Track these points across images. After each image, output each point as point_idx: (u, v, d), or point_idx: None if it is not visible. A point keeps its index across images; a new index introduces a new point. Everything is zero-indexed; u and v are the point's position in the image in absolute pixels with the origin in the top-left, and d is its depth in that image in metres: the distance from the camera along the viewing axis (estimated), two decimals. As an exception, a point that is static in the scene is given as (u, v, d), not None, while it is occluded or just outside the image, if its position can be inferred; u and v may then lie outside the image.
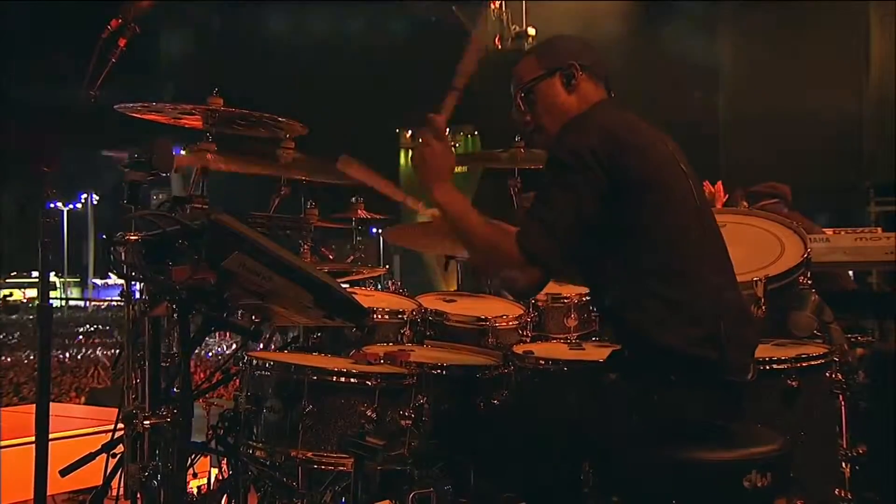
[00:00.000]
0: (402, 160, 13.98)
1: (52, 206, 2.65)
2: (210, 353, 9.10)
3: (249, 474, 2.74)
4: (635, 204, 2.17)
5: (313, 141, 3.36)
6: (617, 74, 2.44)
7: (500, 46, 8.82)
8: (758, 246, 3.06)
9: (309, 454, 2.53)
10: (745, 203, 4.36)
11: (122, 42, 2.66)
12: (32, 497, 2.54)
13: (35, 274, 3.32)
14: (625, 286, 2.19)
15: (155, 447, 2.49)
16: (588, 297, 3.26)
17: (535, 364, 2.72)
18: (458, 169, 2.45)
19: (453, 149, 2.45)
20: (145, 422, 2.44)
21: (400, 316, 3.24)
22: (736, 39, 10.63)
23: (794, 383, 2.58)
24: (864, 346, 3.16)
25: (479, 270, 3.71)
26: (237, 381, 3.22)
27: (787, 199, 4.77)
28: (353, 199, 4.16)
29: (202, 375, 3.93)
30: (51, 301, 2.72)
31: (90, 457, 3.06)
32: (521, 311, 3.35)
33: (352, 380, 2.58)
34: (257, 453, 2.62)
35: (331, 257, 3.95)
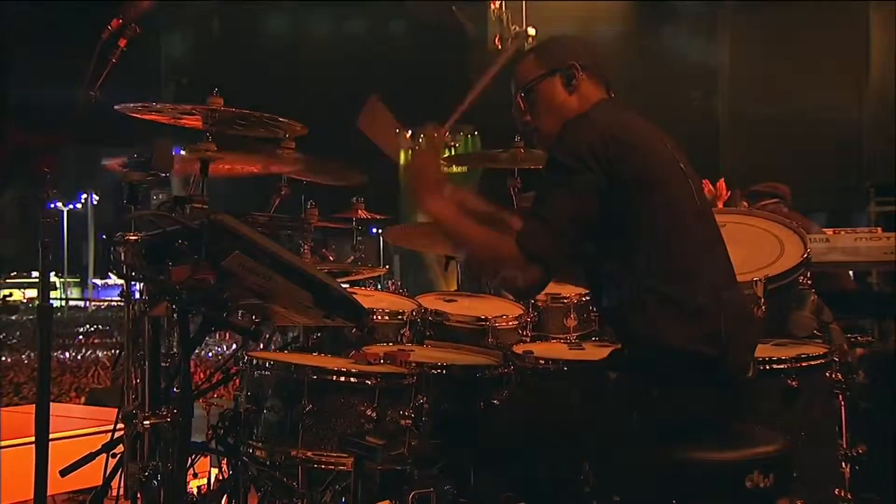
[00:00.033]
0: (403, 160, 13.97)
1: (52, 206, 2.65)
2: (210, 353, 9.09)
3: (249, 474, 2.74)
4: (635, 204, 2.17)
5: (313, 141, 3.36)
6: (616, 74, 2.44)
7: (500, 46, 8.82)
8: (758, 246, 3.06)
9: (309, 454, 2.52)
10: (745, 203, 4.37)
11: (122, 42, 2.66)
12: (32, 497, 2.53)
13: (35, 274, 3.32)
14: (625, 286, 2.19)
15: (155, 447, 2.50)
16: (588, 297, 3.26)
17: (535, 364, 2.72)
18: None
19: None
20: (145, 422, 2.45)
21: (400, 316, 3.24)
22: (735, 40, 10.64)
23: (793, 383, 2.58)
24: (864, 346, 3.15)
25: (478, 273, 3.71)
26: (237, 381, 3.23)
27: (787, 199, 4.77)
28: (353, 199, 4.16)
29: (202, 375, 3.93)
30: (51, 301, 2.72)
31: (90, 457, 3.06)
32: (521, 311, 3.35)
33: (352, 379, 2.58)
34: (257, 453, 2.62)
35: (331, 258, 3.96)
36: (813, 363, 2.66)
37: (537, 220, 2.17)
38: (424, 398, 2.60)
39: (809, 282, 2.93)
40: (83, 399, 6.77)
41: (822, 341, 2.88)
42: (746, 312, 2.39)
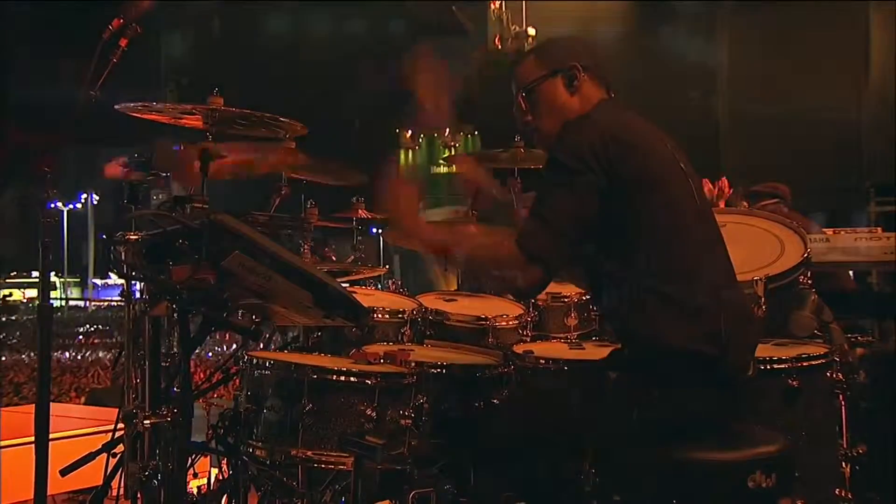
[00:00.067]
0: (402, 160, 13.98)
1: (52, 206, 2.65)
2: (210, 353, 9.09)
3: (249, 474, 2.74)
4: (635, 203, 2.17)
5: (313, 141, 3.36)
6: (616, 75, 2.45)
7: (500, 46, 8.84)
8: (758, 246, 3.06)
9: (309, 453, 2.52)
10: (745, 203, 4.37)
11: (123, 42, 2.66)
12: (32, 497, 2.54)
13: (35, 274, 3.32)
14: (625, 285, 2.19)
15: (155, 447, 2.50)
16: (588, 297, 3.27)
17: (536, 363, 2.72)
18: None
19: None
20: (145, 421, 2.44)
21: (400, 315, 3.24)
22: (734, 39, 10.64)
23: (794, 383, 2.58)
24: (864, 346, 3.15)
25: (478, 276, 3.71)
26: (237, 381, 3.23)
27: (787, 199, 4.77)
28: (353, 199, 4.16)
29: (202, 375, 3.93)
30: (51, 301, 2.72)
31: (90, 457, 3.06)
32: (522, 311, 3.35)
33: (352, 379, 2.58)
34: (257, 453, 2.62)
35: (333, 258, 3.95)
36: (813, 363, 2.67)
37: (537, 220, 2.17)
38: (424, 398, 2.60)
39: (810, 281, 2.93)
40: (83, 399, 6.76)
41: (822, 341, 2.88)
42: (747, 312, 2.40)
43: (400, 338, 3.20)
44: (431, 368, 2.71)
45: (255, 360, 2.74)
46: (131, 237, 2.49)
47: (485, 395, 2.74)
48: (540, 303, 3.35)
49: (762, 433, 2.23)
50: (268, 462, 2.61)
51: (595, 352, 2.87)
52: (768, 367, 2.58)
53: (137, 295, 2.75)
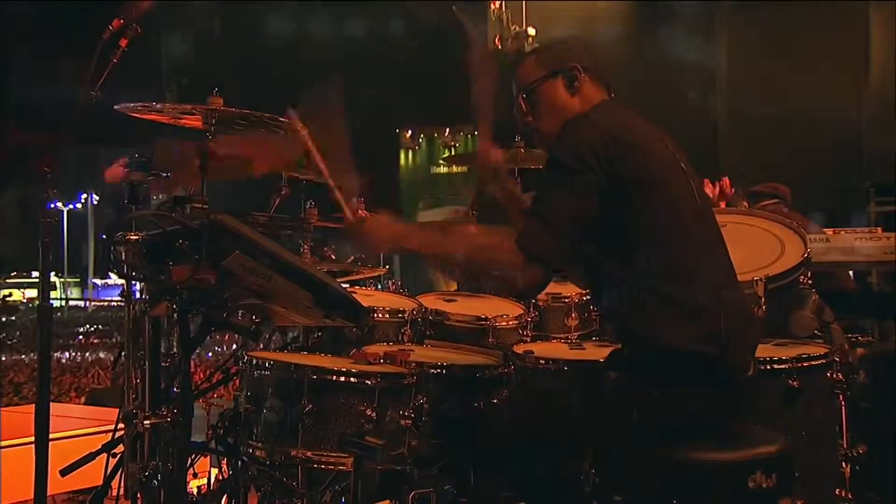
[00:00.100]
0: (402, 160, 13.98)
1: (52, 206, 2.65)
2: (210, 353, 9.08)
3: (249, 474, 2.74)
4: (635, 204, 2.17)
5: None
6: (615, 75, 2.45)
7: (500, 46, 8.83)
8: (758, 246, 3.06)
9: (309, 454, 2.52)
10: (745, 203, 4.37)
11: (123, 42, 2.66)
12: (32, 497, 2.54)
13: (35, 274, 3.33)
14: (625, 285, 2.19)
15: (155, 447, 2.50)
16: (588, 297, 3.26)
17: (536, 364, 2.72)
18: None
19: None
20: (145, 422, 2.44)
21: (400, 315, 3.24)
22: (733, 39, 10.63)
23: (794, 383, 2.58)
24: (864, 346, 3.16)
25: (477, 276, 3.71)
26: (237, 381, 3.22)
27: (787, 199, 4.78)
28: (354, 199, 4.15)
29: (202, 375, 3.93)
30: (51, 301, 2.72)
31: (90, 457, 3.07)
32: (522, 311, 3.35)
33: (352, 379, 2.58)
34: (257, 453, 2.62)
35: (332, 258, 3.95)
36: (814, 363, 2.67)
37: (537, 220, 2.17)
38: (424, 398, 2.60)
39: (810, 282, 2.93)
40: (83, 399, 6.76)
41: (822, 341, 2.88)
42: (747, 312, 2.40)
43: (400, 338, 3.20)
44: (431, 369, 2.71)
45: (254, 361, 2.74)
46: (131, 237, 2.49)
47: (485, 396, 2.74)
48: (540, 303, 3.35)
49: (762, 433, 2.23)
50: (268, 462, 2.61)
51: (595, 352, 2.87)
52: (768, 367, 2.58)
53: (137, 295, 2.75)
